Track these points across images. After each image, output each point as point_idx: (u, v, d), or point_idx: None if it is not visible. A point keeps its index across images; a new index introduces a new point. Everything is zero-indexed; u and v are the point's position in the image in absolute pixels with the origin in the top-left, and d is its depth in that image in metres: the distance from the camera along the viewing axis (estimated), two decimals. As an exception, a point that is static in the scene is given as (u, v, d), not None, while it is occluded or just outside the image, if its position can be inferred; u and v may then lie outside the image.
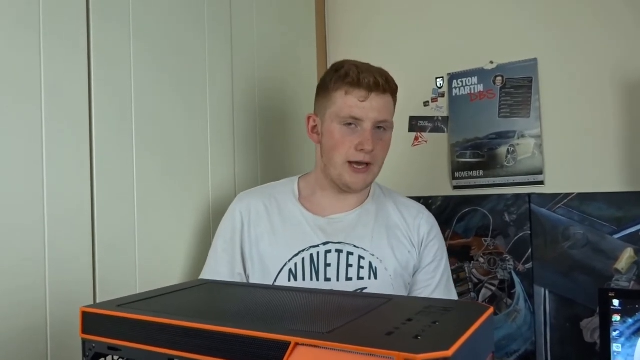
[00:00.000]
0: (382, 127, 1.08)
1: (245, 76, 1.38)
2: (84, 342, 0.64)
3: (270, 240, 1.10)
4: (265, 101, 1.45)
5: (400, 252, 1.11)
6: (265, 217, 1.12)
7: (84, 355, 0.65)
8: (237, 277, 1.10)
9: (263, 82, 1.45)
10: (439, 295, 1.13)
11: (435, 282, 1.14)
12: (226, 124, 1.32)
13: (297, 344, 0.50)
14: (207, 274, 1.11)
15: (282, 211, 1.13)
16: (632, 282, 1.31)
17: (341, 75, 1.06)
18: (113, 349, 0.62)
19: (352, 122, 1.05)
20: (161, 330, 0.58)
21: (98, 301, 0.97)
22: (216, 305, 0.69)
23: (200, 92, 1.24)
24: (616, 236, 1.33)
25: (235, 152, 1.34)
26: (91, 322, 0.64)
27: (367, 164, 1.07)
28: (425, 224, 1.15)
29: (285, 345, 0.50)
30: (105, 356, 0.65)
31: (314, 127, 1.13)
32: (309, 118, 1.15)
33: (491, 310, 0.57)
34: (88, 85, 0.99)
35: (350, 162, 1.06)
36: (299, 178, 1.19)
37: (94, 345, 0.64)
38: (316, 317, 0.59)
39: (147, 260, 1.08)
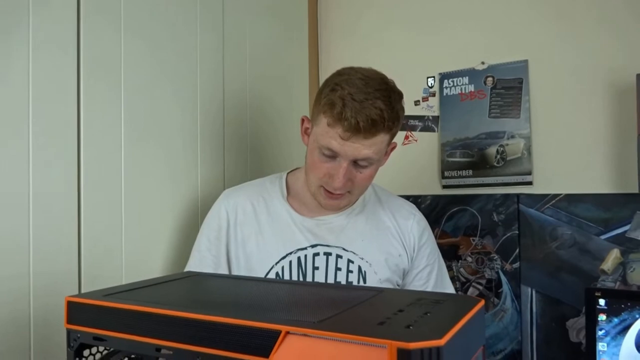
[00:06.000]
0: (364, 163, 0.98)
1: (236, 72, 1.37)
2: (69, 332, 0.63)
3: (258, 241, 1.07)
4: (256, 98, 1.45)
5: (390, 255, 1.09)
6: (252, 217, 1.09)
7: (69, 345, 0.63)
8: None
9: (254, 79, 1.44)
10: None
11: (431, 286, 1.13)
12: (216, 119, 1.31)
13: (287, 332, 0.49)
14: None
15: (269, 211, 1.10)
16: (618, 283, 1.32)
17: (329, 102, 0.94)
18: (98, 339, 0.61)
19: (329, 154, 0.97)
20: (148, 319, 0.57)
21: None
22: (204, 295, 0.68)
23: (191, 88, 1.23)
24: (603, 237, 1.34)
25: (225, 148, 1.32)
26: (76, 311, 0.63)
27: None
28: (416, 226, 1.13)
29: (275, 334, 0.49)
30: (90, 347, 0.64)
31: (307, 129, 1.08)
32: (303, 120, 1.10)
33: (482, 302, 0.57)
34: (77, 77, 0.97)
35: (324, 188, 1.02)
36: (288, 174, 1.17)
37: (78, 335, 0.62)
38: (306, 307, 0.58)
39: (133, 254, 1.07)
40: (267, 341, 0.49)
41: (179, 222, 1.19)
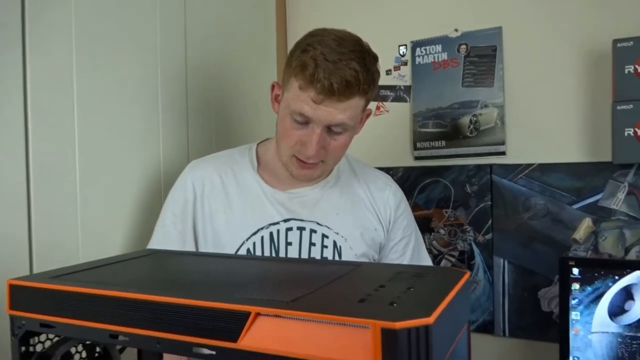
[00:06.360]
0: (338, 129, 0.94)
1: (199, 39, 1.29)
2: (12, 319, 0.56)
3: (227, 215, 1.01)
4: (221, 65, 1.37)
5: (366, 229, 1.05)
6: (220, 189, 1.03)
7: (13, 334, 0.57)
8: None
9: (218, 46, 1.36)
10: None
11: (407, 259, 1.10)
12: (178, 88, 1.22)
13: (257, 314, 0.44)
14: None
15: (239, 183, 1.04)
16: (590, 252, 1.32)
17: (301, 63, 0.89)
18: (46, 325, 0.54)
19: (301, 120, 0.92)
20: (101, 303, 0.51)
21: (34, 276, 0.89)
22: (165, 275, 0.62)
23: (151, 54, 1.14)
24: (575, 206, 1.33)
25: (188, 118, 1.25)
26: (20, 296, 0.56)
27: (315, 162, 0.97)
28: (392, 198, 1.09)
29: (244, 316, 0.44)
30: (37, 334, 0.58)
31: (277, 96, 1.01)
32: (273, 86, 1.03)
33: (467, 275, 0.53)
34: (22, 44, 0.88)
35: (296, 157, 0.97)
36: (258, 145, 1.10)
37: (23, 322, 0.56)
38: (278, 285, 0.53)
39: (90, 234, 0.99)
40: (234, 324, 0.44)
41: (140, 197, 1.12)
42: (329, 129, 0.93)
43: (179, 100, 1.22)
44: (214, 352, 0.46)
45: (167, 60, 1.18)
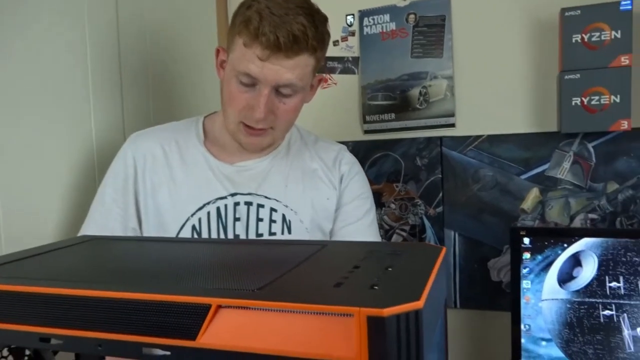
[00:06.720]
0: (287, 91, 0.88)
1: (133, 7, 1.17)
2: None
3: (170, 190, 0.94)
4: (158, 29, 1.25)
5: (318, 200, 1.00)
6: (163, 162, 0.95)
7: None
8: (131, 233, 0.94)
9: (155, 13, 1.24)
10: (362, 233, 1.02)
11: (357, 217, 1.03)
12: (110, 58, 1.11)
13: (219, 306, 0.38)
14: (90, 231, 0.93)
15: (183, 156, 0.96)
16: (537, 221, 1.34)
17: (245, 19, 0.83)
18: (-40, 331, 0.46)
19: (247, 82, 0.86)
20: (28, 301, 0.43)
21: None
22: (105, 265, 0.54)
23: (77, 18, 1.02)
24: (523, 177, 1.35)
25: (122, 92, 1.14)
26: None
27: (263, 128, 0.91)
28: (346, 162, 1.04)
29: (202, 310, 0.38)
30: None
31: (223, 62, 0.94)
32: (218, 51, 0.96)
33: (444, 250, 0.49)
34: None
35: (244, 123, 0.91)
36: (205, 117, 1.03)
37: None
38: (239, 271, 0.47)
39: (14, 219, 0.88)
40: (192, 319, 0.38)
41: (71, 179, 1.01)
42: (277, 91, 0.88)
43: (110, 70, 1.11)
44: (168, 353, 0.39)
45: (95, 24, 1.07)
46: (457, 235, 1.42)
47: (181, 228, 0.93)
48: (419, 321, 0.34)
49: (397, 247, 0.51)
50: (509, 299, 1.19)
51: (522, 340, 1.16)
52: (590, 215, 1.30)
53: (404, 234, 1.47)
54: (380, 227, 1.48)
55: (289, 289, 0.40)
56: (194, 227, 0.93)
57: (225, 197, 0.95)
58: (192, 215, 0.93)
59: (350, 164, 1.05)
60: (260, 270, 0.46)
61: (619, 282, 1.10)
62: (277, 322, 0.36)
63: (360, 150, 1.49)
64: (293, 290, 0.40)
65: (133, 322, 0.40)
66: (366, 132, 1.50)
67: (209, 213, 0.93)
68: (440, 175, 1.42)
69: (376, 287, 0.38)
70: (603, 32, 1.18)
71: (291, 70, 0.85)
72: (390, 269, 0.43)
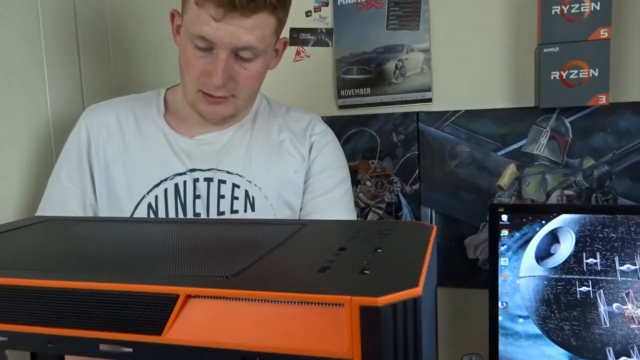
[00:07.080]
0: (248, 55, 0.82)
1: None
2: None
3: (125, 165, 0.88)
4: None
5: (284, 174, 0.94)
6: (118, 135, 0.89)
7: None
8: (90, 211, 0.87)
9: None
10: (332, 207, 0.96)
11: (327, 189, 0.97)
12: (65, 23, 1.02)
13: (188, 296, 0.33)
14: (47, 211, 0.86)
15: (140, 130, 0.90)
16: (513, 198, 1.32)
17: None
18: None
19: (203, 46, 0.80)
20: (-36, 294, 0.37)
21: None
22: (58, 250, 0.48)
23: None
24: (500, 153, 1.33)
25: (80, 61, 1.06)
26: None
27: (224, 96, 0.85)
28: (317, 132, 0.98)
29: (170, 301, 0.33)
30: None
31: (179, 27, 0.87)
32: (173, 15, 0.89)
33: (435, 229, 0.45)
34: None
35: (203, 91, 0.85)
36: (167, 90, 0.96)
37: None
38: (210, 256, 0.42)
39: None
40: (157, 311, 0.33)
41: (25, 157, 0.93)
42: (236, 55, 0.81)
43: (67, 42, 1.03)
44: (130, 350, 0.34)
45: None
46: (433, 212, 1.39)
47: (136, 206, 0.87)
48: (417, 310, 0.30)
49: (384, 226, 0.47)
50: (485, 277, 1.18)
51: (500, 318, 1.15)
52: (566, 192, 1.29)
53: (380, 212, 1.44)
54: (356, 204, 1.44)
55: (267, 276, 0.35)
56: (149, 206, 0.87)
57: (183, 173, 0.89)
58: (147, 193, 0.87)
59: (321, 133, 0.99)
60: (233, 254, 0.42)
61: (595, 258, 1.09)
62: (254, 314, 0.32)
63: (335, 126, 1.43)
64: (272, 276, 0.35)
65: (88, 315, 0.35)
66: (341, 107, 1.45)
67: (166, 190, 0.88)
68: (416, 152, 1.39)
69: (367, 272, 0.34)
70: (582, 4, 1.16)
71: (250, 31, 0.78)
72: (379, 251, 0.39)
